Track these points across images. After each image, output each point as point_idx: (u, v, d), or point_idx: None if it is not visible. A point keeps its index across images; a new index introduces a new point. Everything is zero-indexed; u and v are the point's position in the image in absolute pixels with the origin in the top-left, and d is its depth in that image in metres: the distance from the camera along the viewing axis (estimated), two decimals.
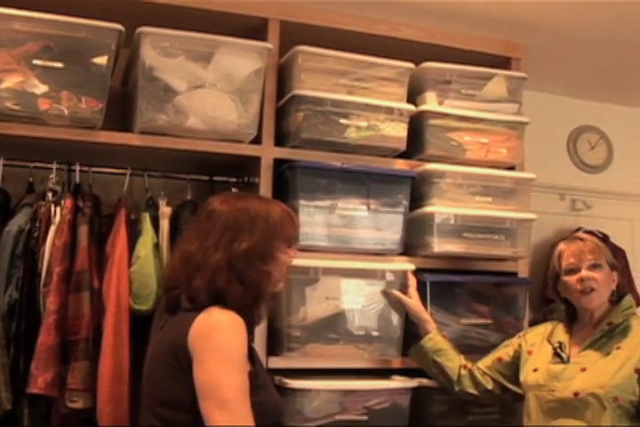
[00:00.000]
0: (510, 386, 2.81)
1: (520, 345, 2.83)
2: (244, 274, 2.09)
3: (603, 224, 4.21)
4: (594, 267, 2.64)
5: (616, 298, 2.68)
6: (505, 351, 2.87)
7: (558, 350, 2.66)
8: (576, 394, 2.51)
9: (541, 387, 2.61)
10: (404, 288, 2.98)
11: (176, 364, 1.99)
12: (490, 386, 2.83)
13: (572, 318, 2.75)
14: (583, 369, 2.56)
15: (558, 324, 2.79)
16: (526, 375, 2.70)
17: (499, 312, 3.19)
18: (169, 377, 2.01)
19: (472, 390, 2.84)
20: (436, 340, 2.89)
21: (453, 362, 2.86)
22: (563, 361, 2.63)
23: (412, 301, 2.95)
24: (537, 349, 2.75)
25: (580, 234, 2.82)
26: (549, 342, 2.73)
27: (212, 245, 2.10)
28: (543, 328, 2.83)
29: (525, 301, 3.25)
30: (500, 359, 2.85)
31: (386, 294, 2.98)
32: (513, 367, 2.81)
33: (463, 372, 2.85)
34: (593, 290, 2.62)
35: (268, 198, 2.37)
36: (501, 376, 2.83)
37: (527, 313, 3.28)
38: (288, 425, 2.61)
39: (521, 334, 2.91)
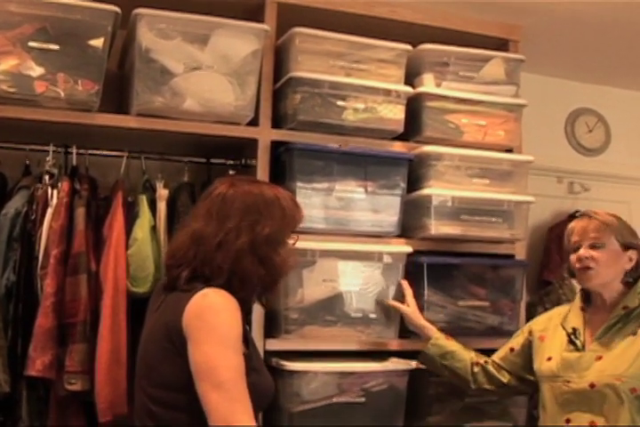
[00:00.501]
0: (527, 376, 2.71)
1: (530, 332, 2.74)
2: (267, 258, 2.11)
3: (600, 207, 4.11)
4: (594, 246, 2.54)
5: (630, 279, 2.56)
6: (516, 341, 2.79)
7: (572, 337, 2.55)
8: (592, 386, 2.41)
9: (556, 377, 2.52)
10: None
11: (170, 346, 1.99)
12: (505, 380, 2.76)
13: (587, 300, 2.65)
14: (599, 358, 2.45)
15: (573, 306, 2.69)
16: (540, 365, 2.61)
17: (496, 294, 3.19)
18: (164, 359, 2.01)
19: (488, 386, 2.78)
20: (439, 344, 2.83)
21: (463, 362, 2.79)
22: (577, 349, 2.52)
23: (410, 309, 2.93)
24: (550, 335, 2.65)
25: (593, 211, 2.65)
26: (564, 327, 2.62)
27: (233, 228, 2.10)
28: (556, 312, 2.74)
29: (522, 283, 3.24)
30: (512, 349, 2.78)
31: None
32: (525, 356, 2.72)
33: (476, 369, 2.78)
34: (589, 268, 2.53)
35: (273, 184, 2.38)
36: (516, 367, 2.75)
37: (524, 295, 3.28)
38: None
39: (534, 320, 2.83)
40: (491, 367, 2.78)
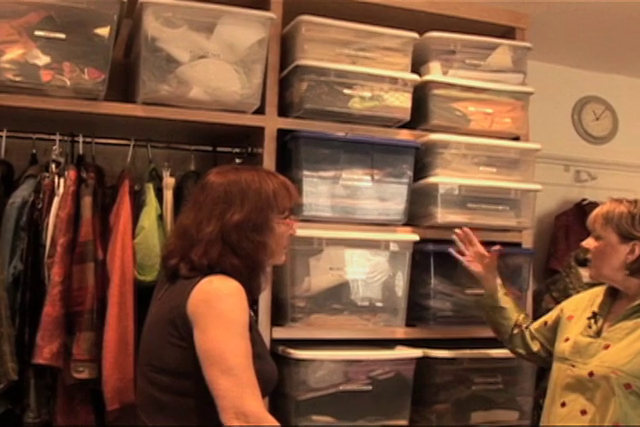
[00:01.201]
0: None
1: (562, 309, 2.70)
2: (237, 245, 2.08)
3: (607, 195, 4.17)
4: (595, 237, 2.52)
5: (629, 271, 2.46)
6: (550, 315, 2.75)
7: (591, 322, 2.51)
8: (591, 374, 2.38)
9: (565, 360, 2.51)
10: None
11: (175, 331, 2.00)
12: (535, 349, 2.74)
13: (614, 289, 2.57)
14: (606, 347, 2.41)
15: (604, 289, 2.59)
16: (558, 344, 2.60)
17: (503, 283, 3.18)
18: (168, 344, 2.01)
19: (520, 351, 2.79)
20: (495, 297, 2.83)
21: (508, 321, 2.80)
22: (592, 334, 2.47)
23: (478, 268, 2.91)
24: (579, 315, 2.59)
25: (613, 199, 2.57)
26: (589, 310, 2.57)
27: (204, 218, 2.10)
28: (592, 292, 2.65)
29: (529, 271, 3.25)
30: (545, 323, 2.74)
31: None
32: (555, 332, 2.68)
33: (515, 331, 2.78)
34: (587, 260, 2.54)
35: (264, 170, 2.35)
36: (546, 340, 2.72)
37: (531, 284, 3.28)
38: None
39: (572, 297, 2.78)
40: (527, 334, 2.77)
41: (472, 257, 2.93)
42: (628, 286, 2.49)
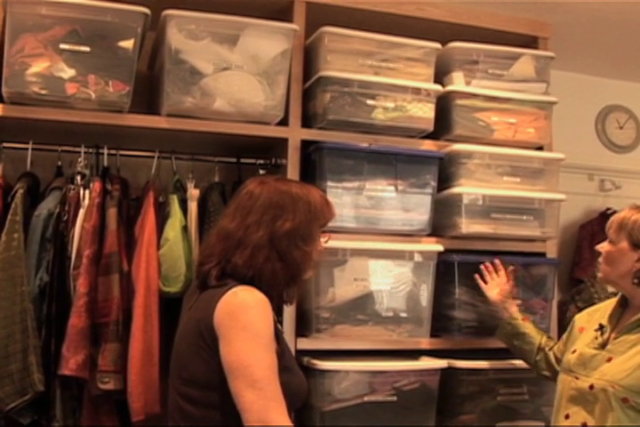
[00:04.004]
0: None
1: (575, 322, 2.67)
2: (286, 253, 2.11)
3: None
4: (609, 241, 2.51)
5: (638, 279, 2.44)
6: (567, 332, 2.70)
7: (597, 333, 2.49)
8: (591, 387, 2.36)
9: (570, 371, 2.49)
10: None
11: (202, 343, 2.00)
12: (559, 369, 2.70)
13: (626, 298, 2.55)
14: (609, 360, 2.39)
15: (615, 302, 2.56)
16: (565, 355, 2.58)
17: (527, 293, 3.17)
18: (195, 356, 2.02)
19: (547, 373, 2.76)
20: (514, 324, 2.85)
21: (531, 346, 2.80)
22: (598, 346, 2.45)
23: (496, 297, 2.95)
24: (589, 327, 2.57)
25: (628, 206, 2.54)
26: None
27: (253, 223, 2.11)
28: (604, 304, 2.64)
29: (554, 281, 3.23)
30: (564, 342, 2.71)
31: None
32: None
33: (539, 357, 2.77)
34: (599, 263, 2.53)
35: (304, 183, 2.38)
36: None
37: (555, 294, 3.26)
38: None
39: (584, 311, 2.72)
40: (551, 356, 2.75)
41: (492, 285, 2.97)
42: (633, 295, 2.47)
